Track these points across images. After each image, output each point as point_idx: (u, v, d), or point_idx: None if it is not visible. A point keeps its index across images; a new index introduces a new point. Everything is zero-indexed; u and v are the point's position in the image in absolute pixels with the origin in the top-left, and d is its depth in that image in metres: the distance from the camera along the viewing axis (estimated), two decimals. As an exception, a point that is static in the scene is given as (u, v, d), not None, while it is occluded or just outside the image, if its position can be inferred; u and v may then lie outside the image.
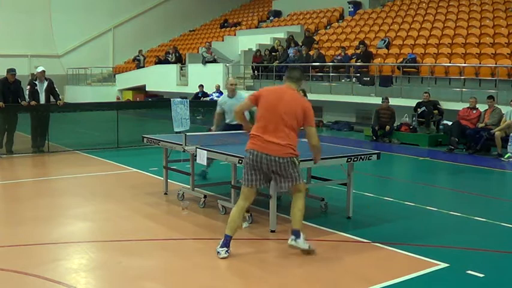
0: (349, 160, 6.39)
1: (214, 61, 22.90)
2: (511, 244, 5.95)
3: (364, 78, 17.09)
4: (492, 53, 15.37)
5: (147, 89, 26.01)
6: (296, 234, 5.29)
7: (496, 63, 14.79)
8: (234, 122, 8.11)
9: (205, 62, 22.77)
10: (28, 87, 11.66)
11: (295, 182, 5.31)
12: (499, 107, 12.56)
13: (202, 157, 6.54)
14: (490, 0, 19.09)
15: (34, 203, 7.60)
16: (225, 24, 29.74)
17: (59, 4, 29.02)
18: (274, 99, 5.29)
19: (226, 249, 5.22)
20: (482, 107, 12.77)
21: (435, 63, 16.11)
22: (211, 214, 6.81)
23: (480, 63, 15.07)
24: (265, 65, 20.97)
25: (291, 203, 5.46)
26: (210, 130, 8.72)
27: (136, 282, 4.69)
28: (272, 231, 6.00)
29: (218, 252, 5.22)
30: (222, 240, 5.27)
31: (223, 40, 26.34)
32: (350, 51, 19.24)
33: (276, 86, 5.40)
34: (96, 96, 24.36)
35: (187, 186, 7.67)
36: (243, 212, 5.41)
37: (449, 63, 15.70)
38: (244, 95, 8.85)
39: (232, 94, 8.51)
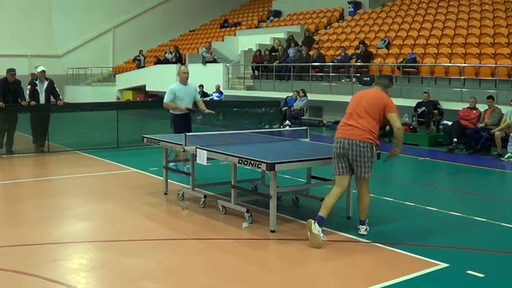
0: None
1: (214, 61, 22.91)
2: (511, 244, 5.94)
3: (364, 78, 17.09)
4: (492, 53, 15.37)
5: (147, 89, 26.01)
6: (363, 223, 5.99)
7: (496, 63, 14.79)
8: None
9: (205, 62, 22.79)
10: (29, 87, 11.67)
11: (370, 172, 5.77)
12: (499, 107, 12.56)
13: (202, 157, 6.54)
14: (490, 0, 19.10)
15: (34, 203, 7.60)
16: (225, 24, 29.74)
17: (59, 4, 29.03)
18: (360, 96, 5.92)
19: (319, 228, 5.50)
20: (482, 107, 12.77)
21: (435, 63, 16.11)
22: (211, 214, 6.80)
23: (480, 63, 15.07)
24: (265, 65, 20.98)
25: (358, 198, 5.94)
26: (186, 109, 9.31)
27: (136, 282, 4.69)
28: (272, 231, 5.99)
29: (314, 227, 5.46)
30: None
31: (223, 40, 26.35)
32: (350, 51, 19.25)
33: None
34: (96, 96, 24.43)
35: (187, 186, 7.68)
36: (337, 198, 5.73)
37: (449, 63, 15.70)
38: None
39: (186, 82, 9.44)
